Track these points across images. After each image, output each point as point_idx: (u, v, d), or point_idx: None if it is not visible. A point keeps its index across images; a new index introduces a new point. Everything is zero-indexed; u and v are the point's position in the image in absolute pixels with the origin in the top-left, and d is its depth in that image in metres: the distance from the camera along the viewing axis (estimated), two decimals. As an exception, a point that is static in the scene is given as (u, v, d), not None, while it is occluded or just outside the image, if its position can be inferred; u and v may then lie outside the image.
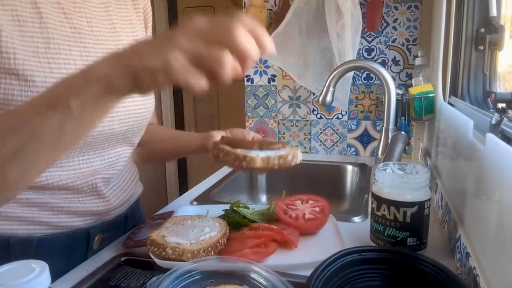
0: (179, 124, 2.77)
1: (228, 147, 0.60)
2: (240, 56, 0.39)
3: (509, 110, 0.68)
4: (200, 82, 0.39)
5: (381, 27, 1.32)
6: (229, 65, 0.38)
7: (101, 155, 0.68)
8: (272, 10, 1.43)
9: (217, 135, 0.81)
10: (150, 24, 0.81)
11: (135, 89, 0.42)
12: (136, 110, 0.70)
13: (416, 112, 1.10)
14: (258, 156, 0.57)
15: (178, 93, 2.65)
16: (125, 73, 0.40)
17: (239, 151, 0.58)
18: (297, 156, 0.61)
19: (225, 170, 1.22)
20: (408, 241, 0.62)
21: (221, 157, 0.60)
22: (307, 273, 0.50)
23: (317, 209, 0.75)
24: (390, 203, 0.62)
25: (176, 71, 0.38)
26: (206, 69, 0.39)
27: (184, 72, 0.38)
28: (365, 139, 1.42)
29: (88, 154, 0.66)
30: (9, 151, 0.43)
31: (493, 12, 0.82)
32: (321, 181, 1.28)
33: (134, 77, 0.40)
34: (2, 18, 0.53)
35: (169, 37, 0.39)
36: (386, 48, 1.34)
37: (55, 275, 0.38)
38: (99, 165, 0.68)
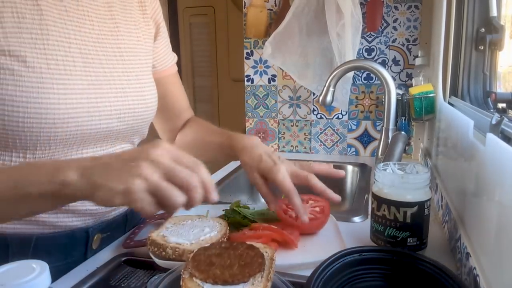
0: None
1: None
2: (189, 198, 0.46)
3: (509, 110, 0.68)
4: (151, 209, 0.44)
5: (381, 27, 1.32)
6: (181, 201, 0.45)
7: (99, 153, 0.68)
8: (272, 10, 1.43)
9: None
10: (161, 35, 0.82)
11: (90, 200, 0.46)
12: (136, 110, 0.70)
13: (416, 112, 1.10)
14: None
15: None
16: (87, 185, 0.45)
17: None
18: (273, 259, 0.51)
19: (225, 170, 1.22)
20: (408, 241, 0.62)
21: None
22: (307, 273, 0.50)
23: (317, 209, 0.75)
24: (390, 203, 0.62)
25: (134, 198, 0.43)
26: (159, 200, 0.44)
27: (141, 200, 0.43)
28: (365, 139, 1.42)
29: (87, 151, 0.66)
30: None
31: (493, 12, 0.82)
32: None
33: (94, 190, 0.44)
34: (2, 14, 0.54)
35: (136, 163, 0.44)
36: (386, 48, 1.34)
37: (53, 274, 0.38)
38: None
